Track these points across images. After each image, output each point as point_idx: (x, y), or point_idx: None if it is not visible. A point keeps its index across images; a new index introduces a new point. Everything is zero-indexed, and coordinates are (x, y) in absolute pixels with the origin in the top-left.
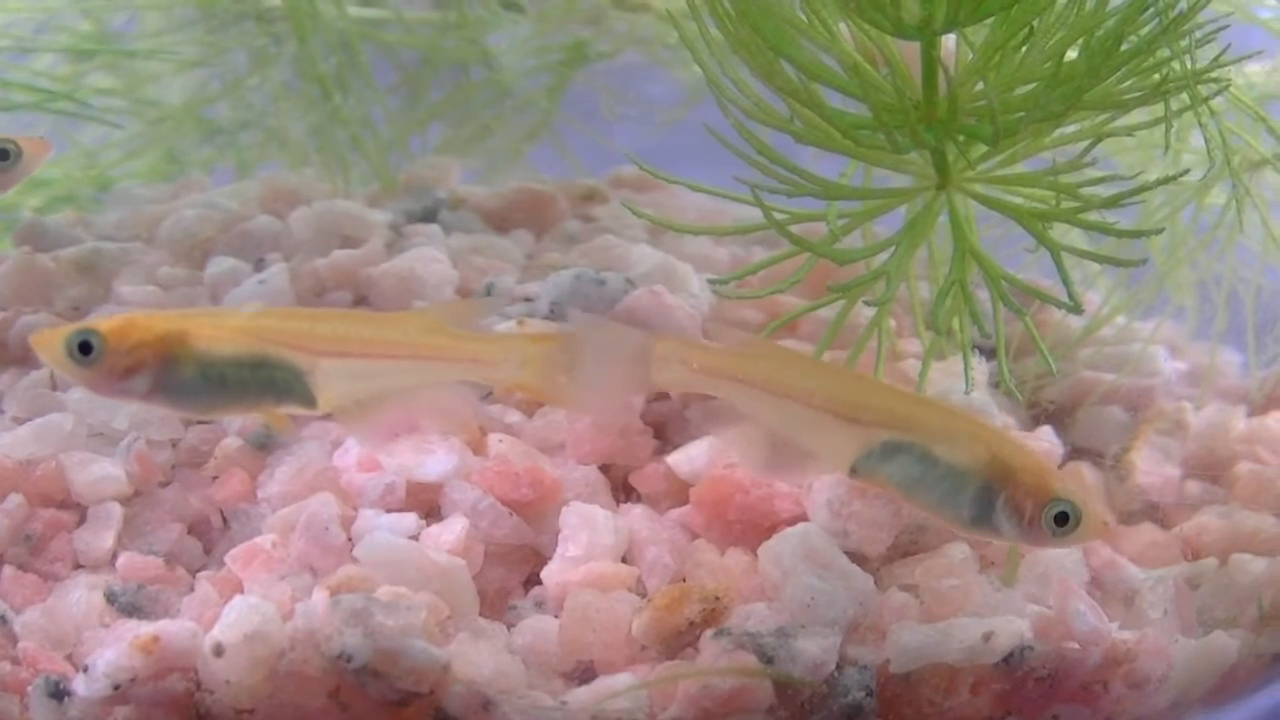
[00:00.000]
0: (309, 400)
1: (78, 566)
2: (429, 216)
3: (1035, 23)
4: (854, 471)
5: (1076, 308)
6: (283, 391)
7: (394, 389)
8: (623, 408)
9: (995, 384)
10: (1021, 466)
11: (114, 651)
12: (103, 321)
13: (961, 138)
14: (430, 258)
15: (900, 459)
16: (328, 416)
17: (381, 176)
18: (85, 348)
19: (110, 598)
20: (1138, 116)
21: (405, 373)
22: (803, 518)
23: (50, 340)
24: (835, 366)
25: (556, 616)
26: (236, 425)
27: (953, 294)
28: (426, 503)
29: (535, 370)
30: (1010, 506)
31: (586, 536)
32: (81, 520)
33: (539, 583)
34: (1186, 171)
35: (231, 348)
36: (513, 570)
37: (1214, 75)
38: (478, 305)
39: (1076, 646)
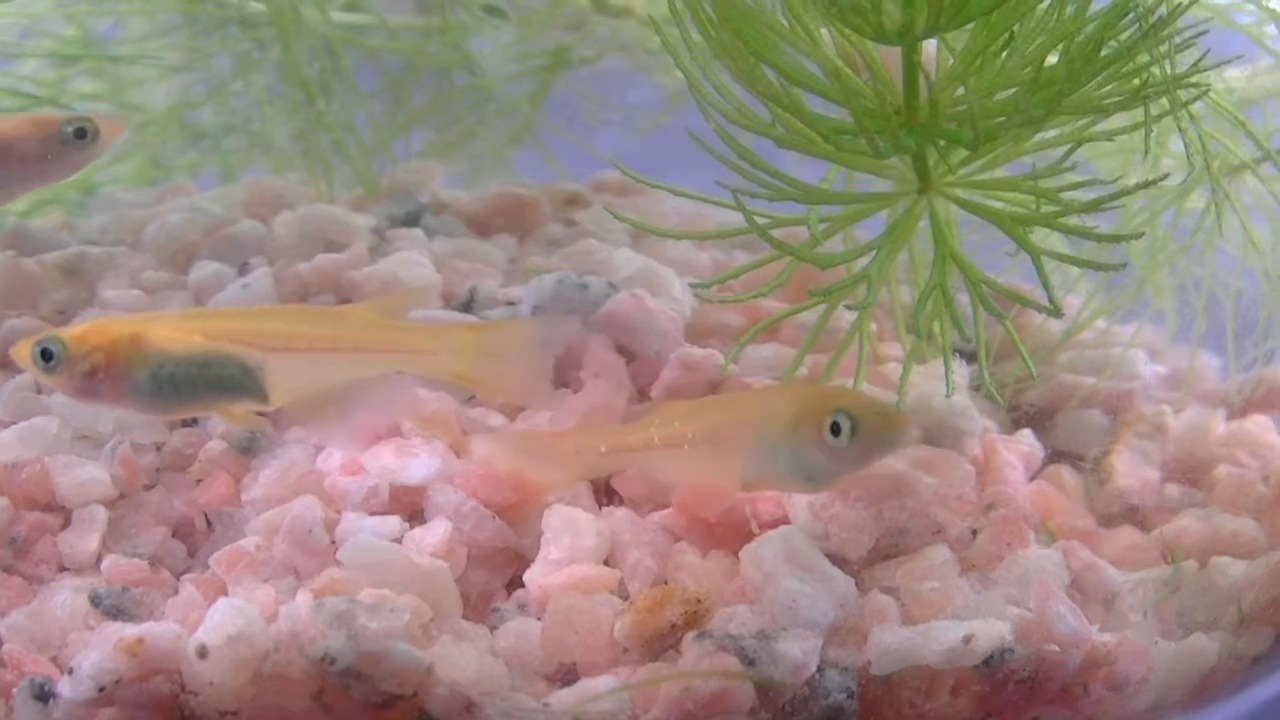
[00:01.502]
0: (261, 396)
1: (62, 569)
2: (412, 221)
3: (1016, 28)
4: (745, 485)
5: (1056, 312)
6: (236, 388)
7: (339, 381)
8: (555, 395)
9: (976, 387)
10: (799, 404)
11: (99, 654)
12: (66, 329)
13: (942, 142)
14: (413, 262)
15: (757, 458)
16: (278, 411)
17: (365, 181)
18: (46, 355)
19: (95, 600)
20: (1118, 121)
21: (349, 365)
22: (784, 521)
23: (22, 350)
24: (693, 403)
25: (539, 619)
26: (220, 429)
27: (933, 298)
28: (410, 506)
29: (469, 360)
30: (810, 441)
31: (569, 539)
32: (66, 523)
33: (522, 585)
34: (1166, 176)
35: (183, 348)
36: (495, 573)
37: (1193, 80)
38: (412, 294)
39: (1057, 649)
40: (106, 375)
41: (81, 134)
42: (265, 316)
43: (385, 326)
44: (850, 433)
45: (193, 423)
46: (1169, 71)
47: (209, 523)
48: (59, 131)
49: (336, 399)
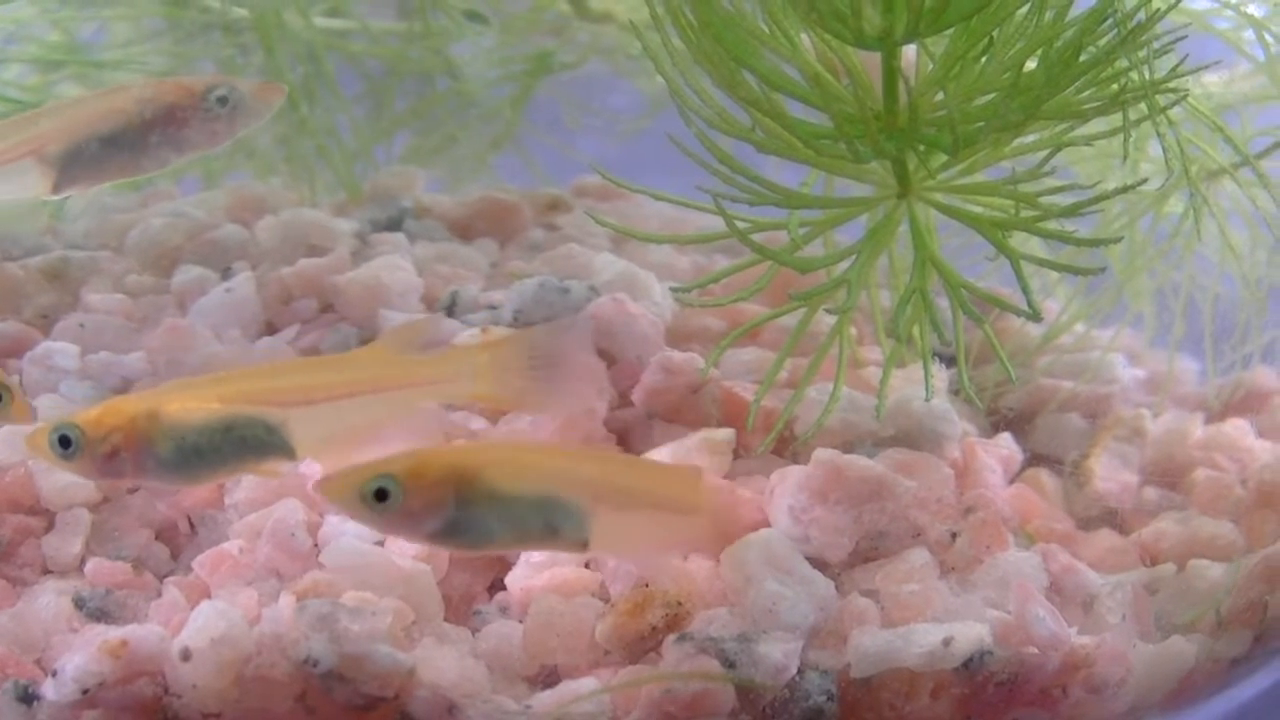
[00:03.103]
0: (289, 452)
1: (46, 572)
2: (394, 225)
3: (995, 33)
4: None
5: (1035, 315)
6: (262, 447)
7: (364, 425)
8: (583, 400)
9: (955, 391)
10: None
11: (83, 656)
12: (81, 413)
13: (922, 147)
14: (395, 266)
15: None
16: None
17: (347, 186)
18: (65, 442)
19: (79, 603)
20: (1096, 126)
21: (370, 408)
22: (765, 524)
23: (38, 439)
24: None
25: (520, 621)
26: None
27: (913, 302)
28: None
29: (488, 379)
30: None
31: None
32: (50, 526)
33: (503, 588)
34: (1144, 181)
35: (202, 416)
36: (477, 576)
37: (1172, 85)
38: (421, 325)
39: (1035, 651)
40: (128, 454)
41: (223, 101)
42: (280, 373)
43: (399, 363)
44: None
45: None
46: (1147, 77)
47: (192, 526)
48: (203, 98)
49: (366, 439)
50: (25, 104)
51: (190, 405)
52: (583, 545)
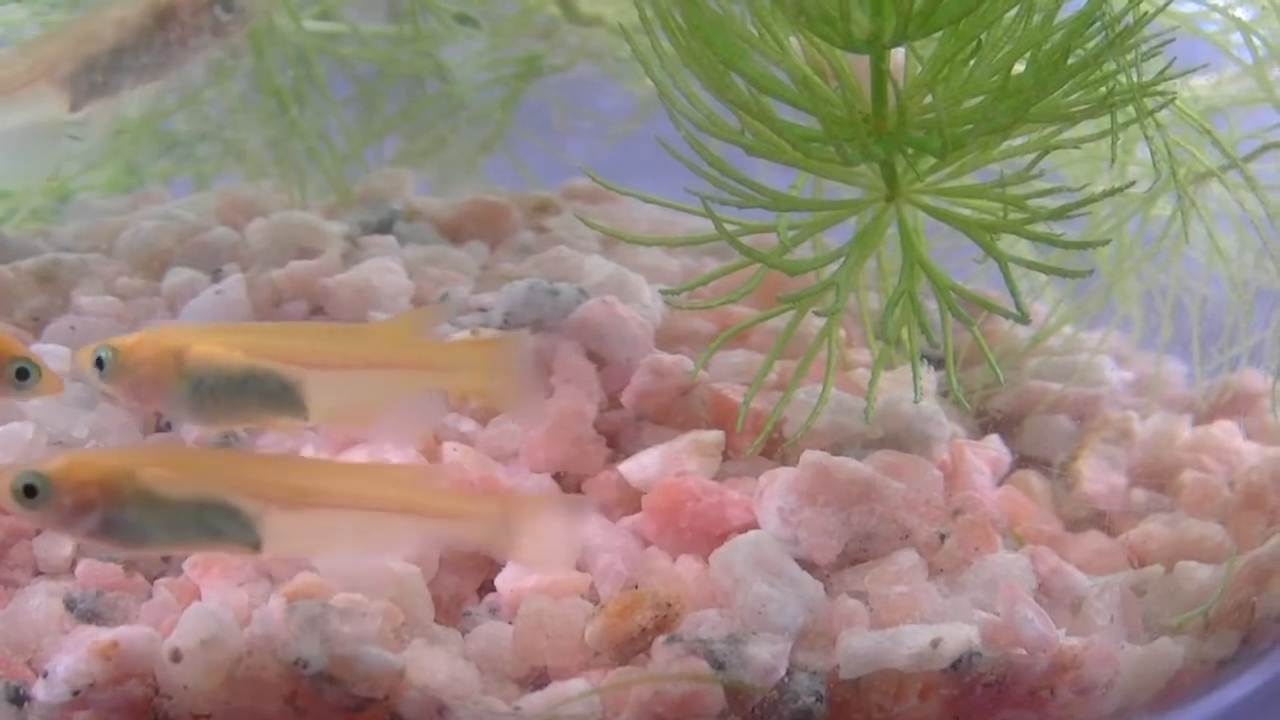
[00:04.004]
0: (302, 412)
1: (37, 574)
2: (384, 228)
3: (983, 37)
4: None
5: (1024, 318)
6: (277, 403)
7: (371, 398)
8: (535, 413)
9: (944, 393)
10: None
11: (73, 657)
12: (123, 338)
13: (910, 150)
14: (386, 268)
15: None
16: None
17: (338, 188)
18: (100, 362)
19: (70, 604)
20: (1085, 129)
21: (381, 383)
22: (754, 525)
23: (83, 354)
24: None
25: (510, 623)
26: (194, 434)
27: (902, 304)
28: None
29: (482, 375)
30: None
31: None
32: (41, 528)
33: (493, 589)
34: (1132, 183)
35: (223, 363)
36: (467, 577)
37: (1159, 89)
38: (437, 310)
39: (1024, 653)
40: (153, 385)
41: (229, 6)
42: (299, 334)
43: (413, 344)
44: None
45: (167, 428)
46: (1135, 80)
47: None
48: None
49: (373, 416)
50: None
51: (215, 350)
52: (255, 548)
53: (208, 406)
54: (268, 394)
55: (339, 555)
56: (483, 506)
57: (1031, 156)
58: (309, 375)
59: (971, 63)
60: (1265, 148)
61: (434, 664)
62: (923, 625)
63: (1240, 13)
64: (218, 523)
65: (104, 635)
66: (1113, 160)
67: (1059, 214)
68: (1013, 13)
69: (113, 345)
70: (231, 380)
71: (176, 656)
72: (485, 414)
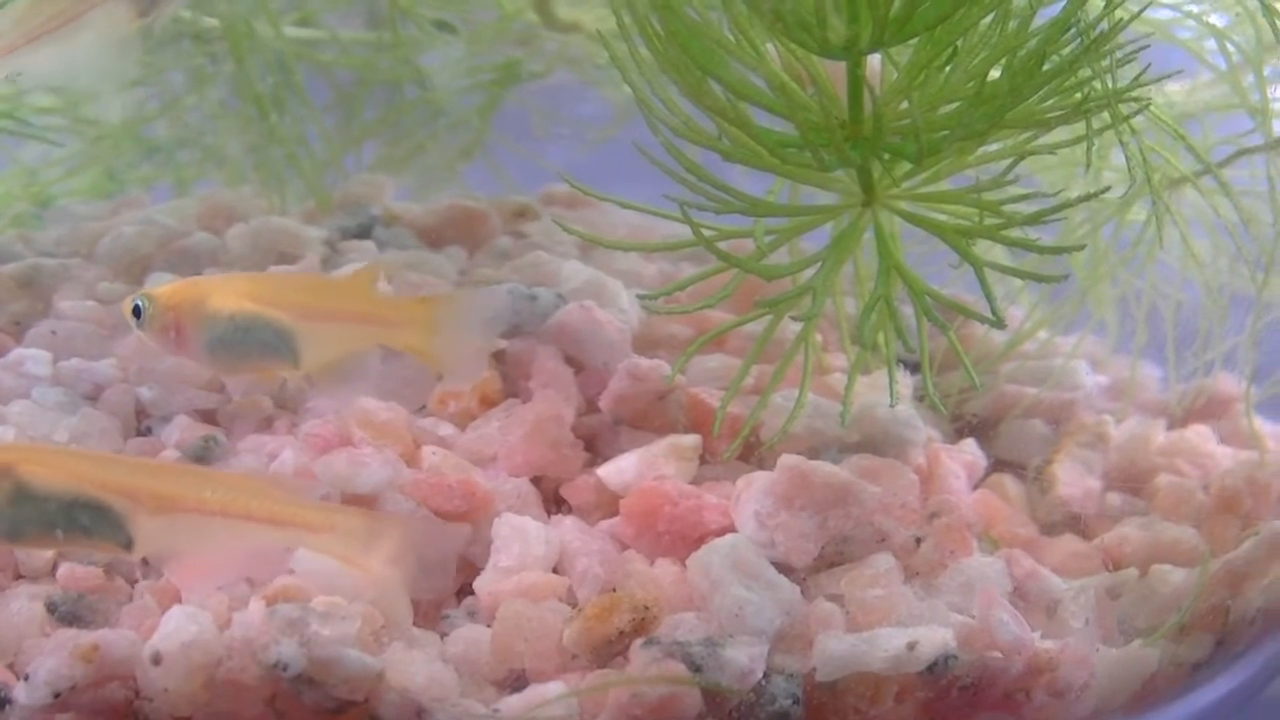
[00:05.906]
0: (294, 359)
1: (18, 577)
2: (364, 233)
3: (959, 43)
4: None
5: (999, 323)
6: (273, 352)
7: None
8: (475, 373)
9: (920, 397)
10: None
11: (55, 660)
12: (160, 288)
13: (886, 156)
14: None
15: None
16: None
17: (317, 194)
18: (137, 311)
19: (51, 607)
20: (1060, 135)
21: (350, 336)
22: (731, 529)
23: (126, 302)
24: None
25: (489, 626)
26: (175, 438)
27: (878, 309)
28: None
29: (420, 332)
30: None
31: (518, 547)
32: None
33: (471, 593)
34: (1107, 189)
35: (232, 311)
36: None
37: (1134, 94)
38: (378, 268)
39: (999, 655)
40: (177, 333)
41: None
42: (290, 286)
43: (362, 297)
44: None
45: (148, 432)
46: (1110, 86)
47: None
48: None
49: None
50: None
51: (227, 299)
52: (126, 548)
53: (219, 353)
54: (266, 342)
55: (202, 559)
56: (345, 520)
57: (1007, 162)
58: (299, 326)
59: (947, 69)
60: (1239, 153)
61: (413, 667)
62: (899, 628)
63: (1214, 19)
64: (89, 521)
65: (85, 638)
66: (1088, 166)
67: (1034, 219)
68: (988, 19)
69: (150, 294)
70: (239, 328)
71: (157, 659)
72: (463, 418)
